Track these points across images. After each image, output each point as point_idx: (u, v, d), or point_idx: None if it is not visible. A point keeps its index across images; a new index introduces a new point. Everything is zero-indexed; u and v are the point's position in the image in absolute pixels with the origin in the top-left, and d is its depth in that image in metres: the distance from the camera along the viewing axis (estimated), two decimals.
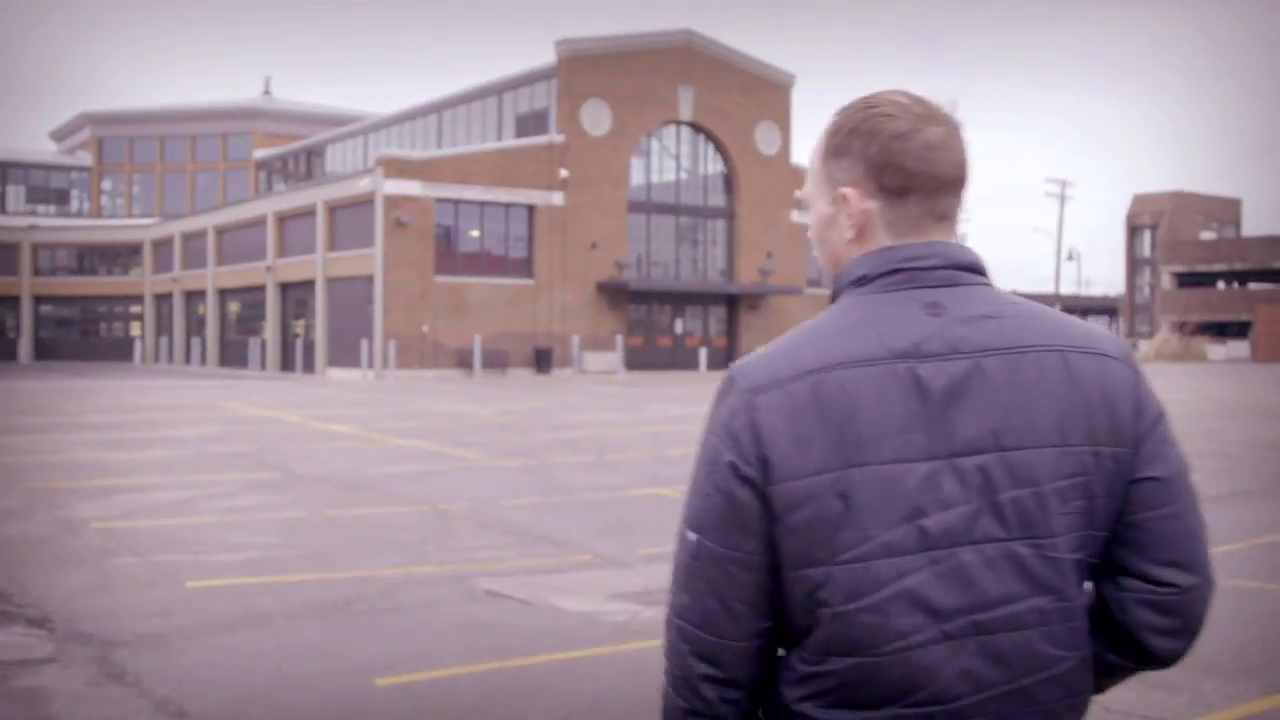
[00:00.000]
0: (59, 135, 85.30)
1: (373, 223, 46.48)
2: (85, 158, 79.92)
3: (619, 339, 49.12)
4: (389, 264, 46.00)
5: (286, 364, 53.53)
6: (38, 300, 70.24)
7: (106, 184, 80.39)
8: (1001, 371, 1.90)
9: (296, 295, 53.68)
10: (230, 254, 59.15)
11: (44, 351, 69.51)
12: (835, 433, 1.86)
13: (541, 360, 48.70)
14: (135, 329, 69.81)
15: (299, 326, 53.36)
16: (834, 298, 2.04)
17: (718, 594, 1.93)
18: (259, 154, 76.25)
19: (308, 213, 51.94)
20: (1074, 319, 2.02)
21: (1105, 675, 2.05)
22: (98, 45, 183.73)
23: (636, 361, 51.30)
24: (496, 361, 47.36)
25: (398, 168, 46.38)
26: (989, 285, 2.00)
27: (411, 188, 46.32)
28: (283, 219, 54.35)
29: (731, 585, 1.92)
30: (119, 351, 68.69)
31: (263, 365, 54.41)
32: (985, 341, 1.91)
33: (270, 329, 54.68)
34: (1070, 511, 1.90)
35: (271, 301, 54.64)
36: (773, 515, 1.87)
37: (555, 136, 49.87)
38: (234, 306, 60.31)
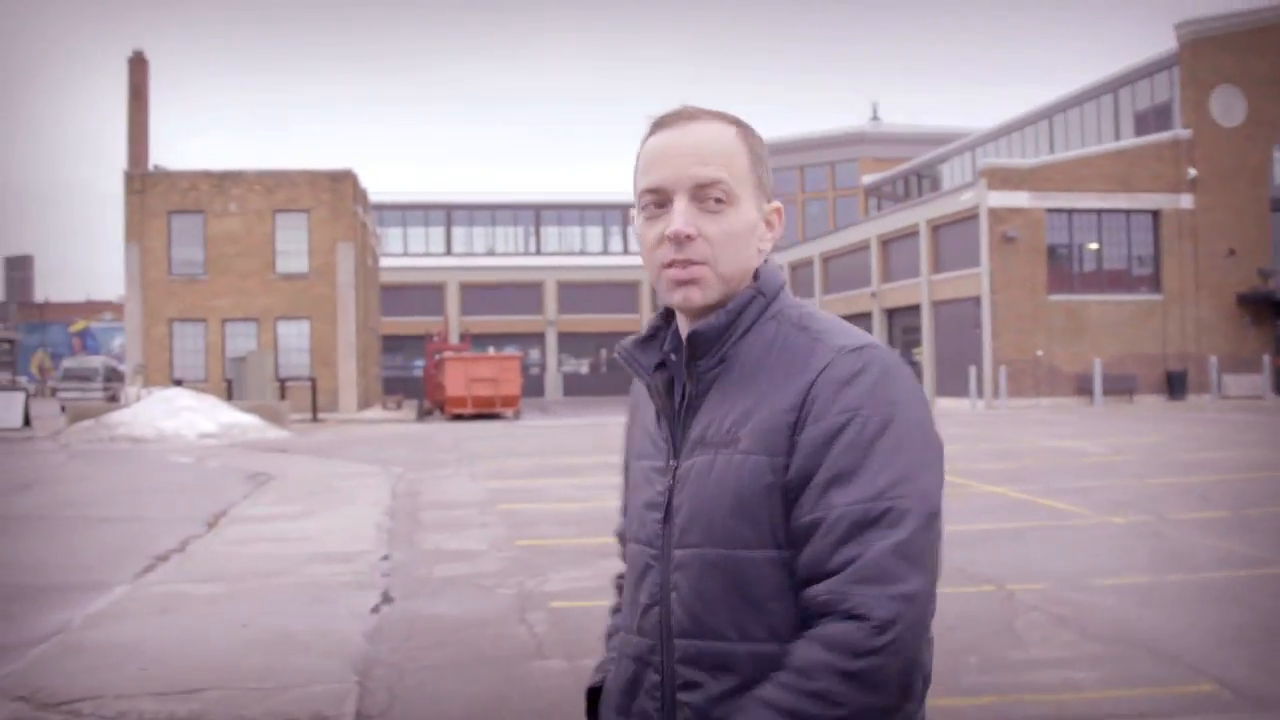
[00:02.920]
0: None
1: (978, 240, 42.94)
2: None
3: (1265, 359, 42.68)
4: (996, 283, 42.25)
5: None
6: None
7: None
8: None
9: (903, 321, 50.97)
10: (837, 281, 57.50)
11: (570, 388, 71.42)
12: None
13: (1173, 385, 43.12)
14: None
15: (917, 353, 50.31)
16: (750, 303, 2.03)
17: None
18: (867, 179, 74.57)
19: (910, 234, 49.13)
20: None
21: None
22: (708, 90, 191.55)
23: None
24: (1120, 387, 42.34)
25: (1002, 178, 42.56)
26: None
27: (1018, 199, 42.36)
28: (885, 242, 51.88)
29: None
30: None
31: None
32: None
33: None
34: None
35: (878, 328, 52.26)
36: None
37: (1180, 132, 44.19)
38: None
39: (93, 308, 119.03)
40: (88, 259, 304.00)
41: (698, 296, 1.98)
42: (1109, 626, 8.31)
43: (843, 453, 1.86)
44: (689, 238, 1.95)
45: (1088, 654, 7.61)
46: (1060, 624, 8.43)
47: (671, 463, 2.03)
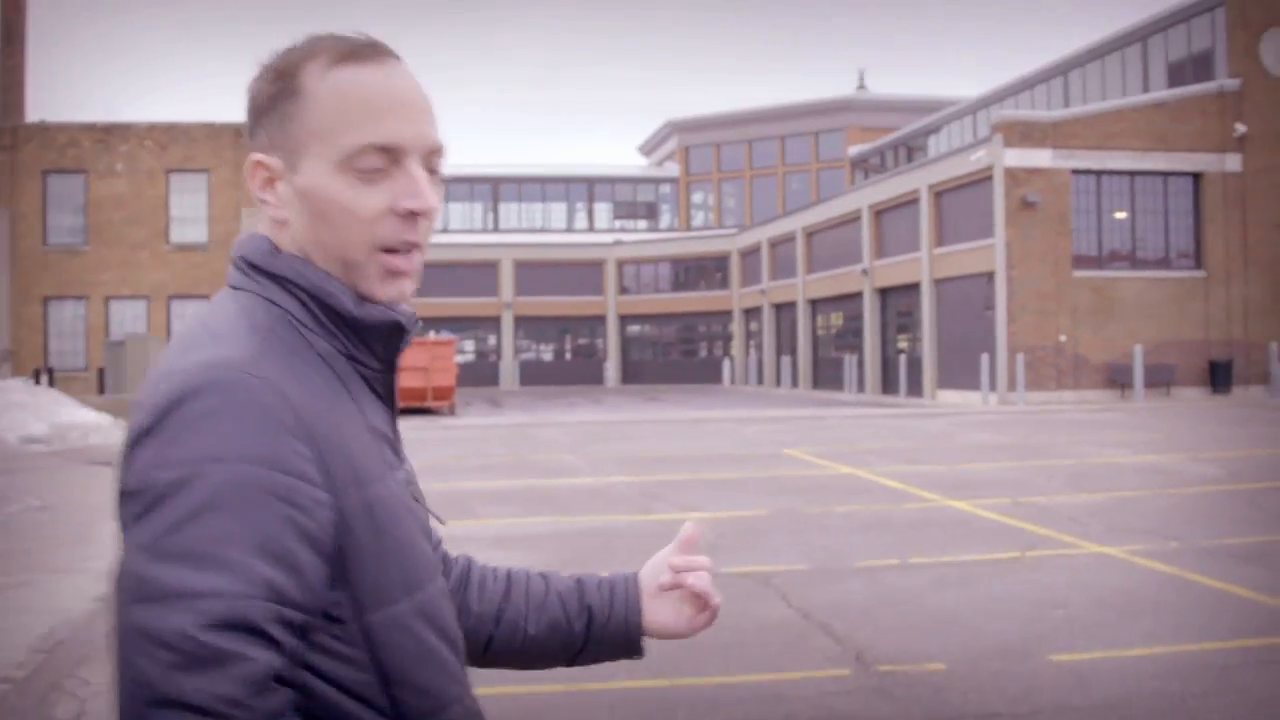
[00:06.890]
0: (647, 149, 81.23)
1: (990, 206, 36.64)
2: (672, 169, 75.10)
3: None
4: (1013, 257, 35.93)
5: (887, 385, 44.61)
6: (623, 320, 65.68)
7: (696, 196, 75.15)
8: None
9: (898, 303, 44.61)
10: (821, 259, 51.11)
11: (631, 374, 64.89)
12: None
13: (1217, 376, 36.95)
14: (729, 347, 63.39)
15: (902, 340, 44.06)
16: None
17: None
18: (853, 150, 68.25)
19: (908, 201, 42.67)
20: (191, 344, 1.39)
21: None
22: (681, 56, 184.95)
23: None
24: (1157, 379, 36.15)
25: (1021, 133, 36.19)
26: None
27: (1040, 158, 36.04)
28: (879, 212, 45.39)
29: None
30: (708, 373, 62.62)
31: (860, 387, 45.83)
32: None
33: (869, 344, 45.91)
34: None
35: (869, 311, 45.90)
36: None
37: (1227, 82, 37.94)
38: (826, 319, 52.23)
39: None
40: None
41: (409, 290, 1.54)
42: None
43: None
44: (428, 214, 1.51)
45: None
46: None
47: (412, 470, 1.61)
